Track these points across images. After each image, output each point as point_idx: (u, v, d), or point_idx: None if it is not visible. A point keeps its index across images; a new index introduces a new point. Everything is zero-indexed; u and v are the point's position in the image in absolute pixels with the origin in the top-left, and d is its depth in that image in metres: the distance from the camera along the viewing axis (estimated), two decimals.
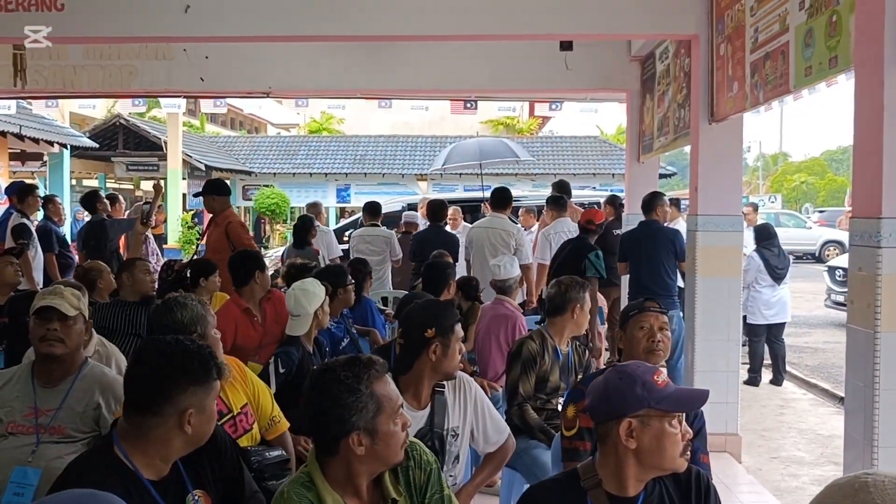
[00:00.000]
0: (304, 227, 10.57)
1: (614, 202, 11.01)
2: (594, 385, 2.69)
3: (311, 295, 5.30)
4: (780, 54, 5.72)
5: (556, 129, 41.34)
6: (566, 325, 5.06)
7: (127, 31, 7.13)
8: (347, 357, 2.67)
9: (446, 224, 10.61)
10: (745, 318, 10.09)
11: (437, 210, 10.32)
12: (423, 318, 3.76)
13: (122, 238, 11.59)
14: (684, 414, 2.59)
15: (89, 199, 11.04)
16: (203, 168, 27.39)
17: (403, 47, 9.98)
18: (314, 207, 12.77)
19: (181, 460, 2.78)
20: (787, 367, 11.19)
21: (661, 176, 22.34)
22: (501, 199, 9.66)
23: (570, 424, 3.79)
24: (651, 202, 9.03)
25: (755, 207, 14.19)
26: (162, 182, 11.55)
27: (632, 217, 10.34)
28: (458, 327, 3.78)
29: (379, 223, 11.13)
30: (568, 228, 9.67)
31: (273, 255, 15.31)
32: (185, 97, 13.29)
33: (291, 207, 32.79)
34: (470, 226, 10.55)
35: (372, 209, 11.16)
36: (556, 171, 28.66)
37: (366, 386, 2.56)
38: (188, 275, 7.17)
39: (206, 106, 15.21)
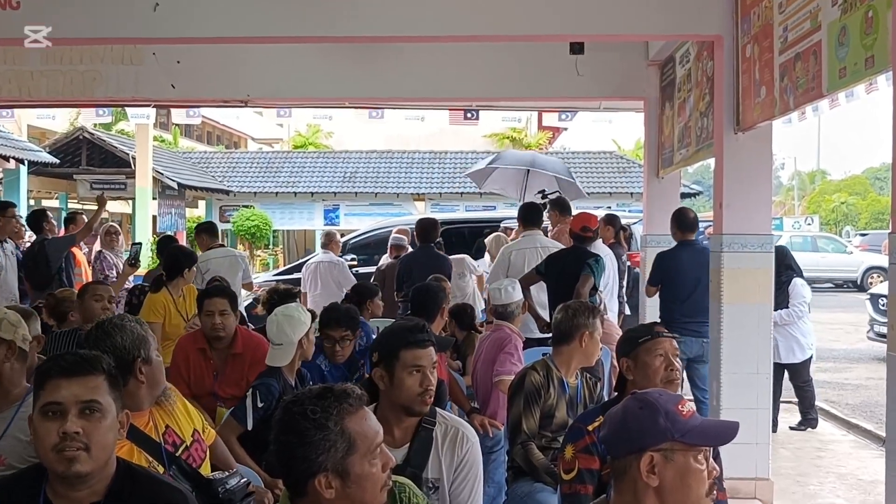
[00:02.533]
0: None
1: (613, 222, 11.00)
2: (611, 415, 2.69)
3: (296, 322, 5.29)
4: (811, 55, 5.75)
5: (568, 145, 41.49)
6: (574, 355, 5.07)
7: (90, 32, 7.17)
8: (320, 387, 2.66)
9: (439, 246, 10.57)
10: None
11: (427, 229, 10.30)
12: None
13: (81, 256, 11.76)
14: (711, 449, 2.59)
15: (35, 218, 11.22)
16: (175, 187, 27.50)
17: (397, 50, 10.04)
18: (328, 238, 12.59)
19: None
20: (826, 406, 11.15)
21: (685, 195, 22.45)
22: (534, 212, 9.65)
23: (568, 466, 3.78)
24: (695, 221, 9.01)
25: None
26: (106, 196, 11.67)
27: (655, 238, 10.36)
28: (416, 353, 3.66)
29: (224, 244, 11.24)
30: (540, 244, 9.48)
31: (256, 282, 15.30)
32: (154, 106, 13.34)
33: (274, 231, 32.86)
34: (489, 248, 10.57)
35: (208, 229, 11.15)
36: None
37: (335, 422, 2.54)
38: (164, 271, 7.95)
39: (179, 116, 15.27)
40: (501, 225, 13.16)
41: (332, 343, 6.13)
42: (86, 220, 12.04)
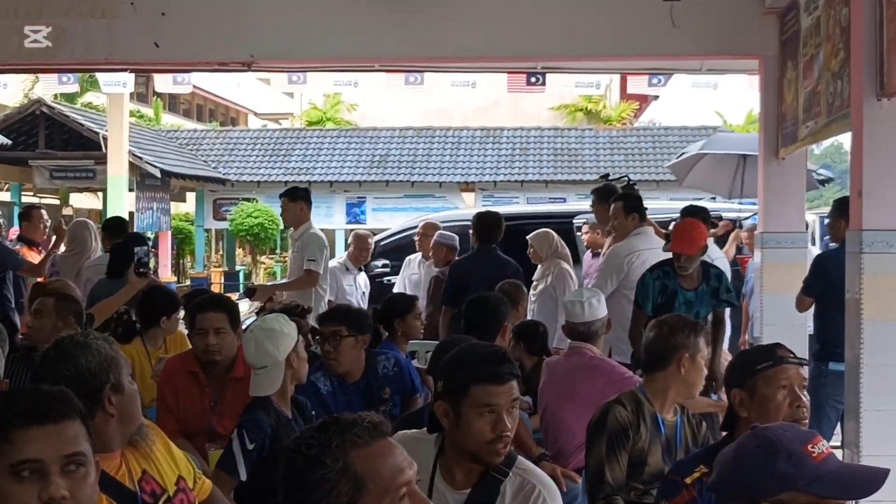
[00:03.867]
0: None
1: (701, 216, 10.81)
2: (723, 455, 2.69)
3: (278, 336, 5.33)
4: None
5: (659, 118, 41.52)
6: (671, 384, 5.07)
7: None
8: (325, 418, 2.70)
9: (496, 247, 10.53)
10: None
11: (489, 227, 10.28)
12: (439, 368, 3.86)
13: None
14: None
15: None
16: (158, 174, 27.63)
17: None
18: (359, 241, 12.58)
19: None
20: None
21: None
22: (640, 200, 9.80)
23: None
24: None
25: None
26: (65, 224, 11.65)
27: (775, 237, 10.29)
28: (491, 391, 3.71)
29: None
30: (657, 244, 9.50)
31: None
32: (132, 71, 13.43)
33: (283, 231, 32.92)
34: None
35: (114, 227, 11.05)
36: (659, 176, 28.64)
37: (334, 458, 2.56)
38: (138, 316, 7.52)
39: (163, 84, 15.43)
40: (574, 221, 13.11)
41: (324, 343, 6.24)
42: (44, 218, 12.14)
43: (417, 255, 12.64)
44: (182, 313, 7.75)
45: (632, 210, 9.62)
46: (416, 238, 12.55)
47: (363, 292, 11.96)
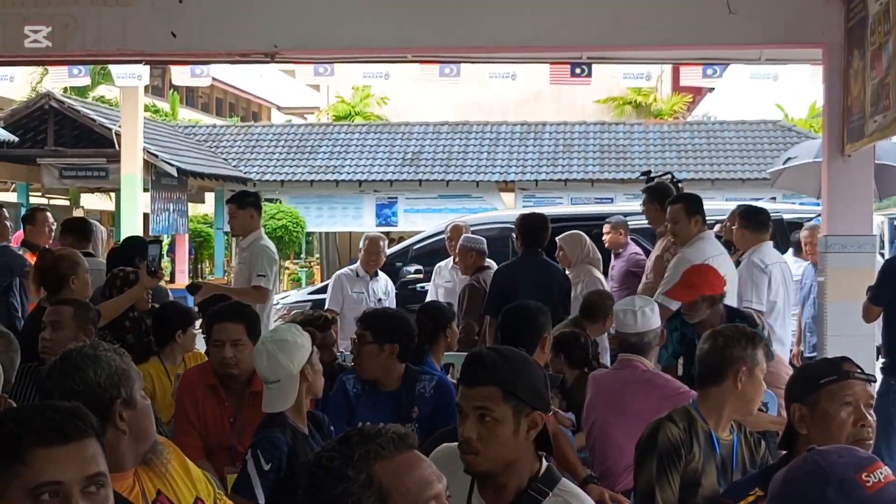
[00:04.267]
0: None
1: (753, 217, 10.72)
2: (775, 479, 2.69)
3: (291, 347, 5.37)
4: None
5: (714, 112, 41.40)
6: (726, 400, 5.07)
7: None
8: (348, 430, 2.72)
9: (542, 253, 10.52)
10: None
11: (535, 230, 10.24)
12: None
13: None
14: None
15: None
16: (175, 174, 27.68)
17: None
18: (370, 245, 12.47)
19: None
20: None
21: None
22: (761, 216, 9.91)
23: None
24: None
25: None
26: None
27: (840, 241, 10.22)
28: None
29: (95, 253, 10.90)
30: (720, 251, 9.52)
31: (281, 305, 15.43)
32: (147, 63, 13.54)
33: (308, 234, 32.98)
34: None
35: (77, 229, 10.82)
36: (714, 175, 28.57)
37: (359, 469, 2.58)
38: (153, 335, 7.71)
39: (180, 77, 15.47)
40: (611, 220, 13.04)
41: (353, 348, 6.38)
42: (49, 221, 12.05)
43: (448, 262, 12.65)
44: (199, 325, 7.77)
45: (695, 212, 9.55)
46: (446, 243, 12.57)
47: (379, 299, 11.83)
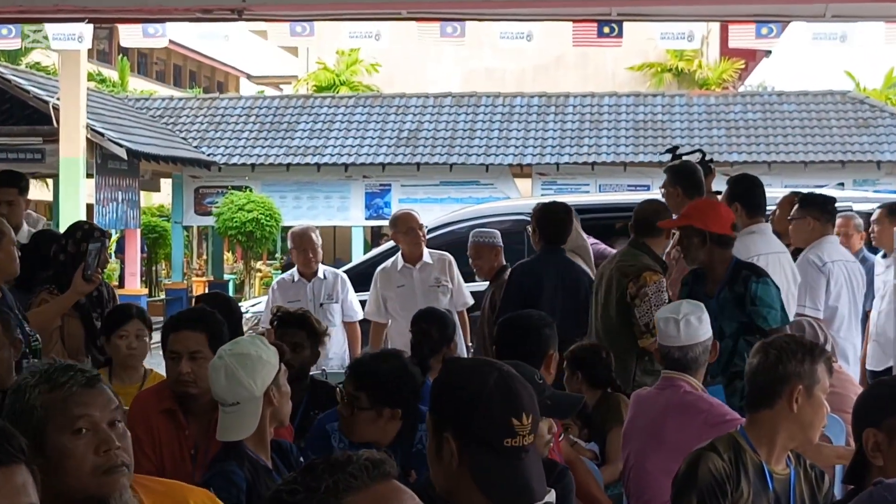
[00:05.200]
0: None
1: (822, 206, 10.69)
2: None
3: (254, 363, 5.31)
4: None
5: (771, 81, 41.46)
6: (780, 426, 5.04)
7: None
8: (311, 460, 2.73)
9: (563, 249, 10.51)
10: None
11: (557, 223, 10.21)
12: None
13: None
14: None
15: None
16: (125, 156, 27.71)
17: None
18: (297, 240, 12.44)
19: None
20: None
21: None
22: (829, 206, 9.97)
23: None
24: None
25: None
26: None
27: None
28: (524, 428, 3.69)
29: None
30: (774, 248, 9.51)
31: (251, 313, 15.43)
32: (91, 21, 13.47)
33: (284, 229, 32.96)
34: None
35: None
36: (771, 157, 28.56)
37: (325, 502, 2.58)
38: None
39: (130, 39, 15.42)
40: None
41: (340, 400, 6.16)
42: None
43: (394, 262, 12.39)
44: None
45: (737, 198, 9.49)
46: (399, 238, 12.36)
47: (321, 303, 11.76)
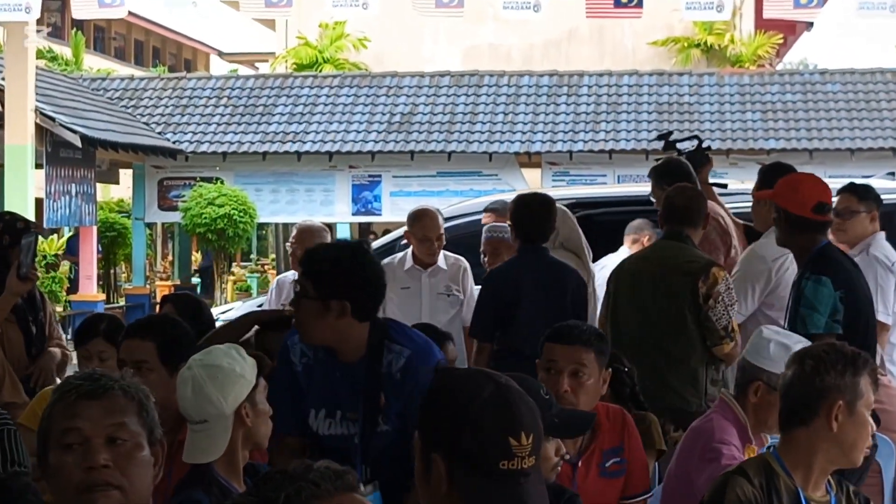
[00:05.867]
0: None
1: (875, 196, 10.73)
2: None
3: (226, 376, 5.30)
4: None
5: (812, 58, 41.68)
6: (818, 446, 5.05)
7: None
8: (266, 471, 2.82)
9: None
10: None
11: (539, 217, 10.23)
12: None
13: None
14: None
15: None
16: (79, 143, 27.72)
17: None
18: (305, 236, 12.52)
19: None
20: None
21: None
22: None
23: None
24: None
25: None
26: None
27: None
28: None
29: None
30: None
31: (223, 321, 15.46)
32: None
33: (260, 226, 32.99)
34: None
35: None
36: (812, 144, 28.61)
37: None
38: None
39: (84, 9, 15.50)
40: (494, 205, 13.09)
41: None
42: None
43: (403, 258, 12.43)
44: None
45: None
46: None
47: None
